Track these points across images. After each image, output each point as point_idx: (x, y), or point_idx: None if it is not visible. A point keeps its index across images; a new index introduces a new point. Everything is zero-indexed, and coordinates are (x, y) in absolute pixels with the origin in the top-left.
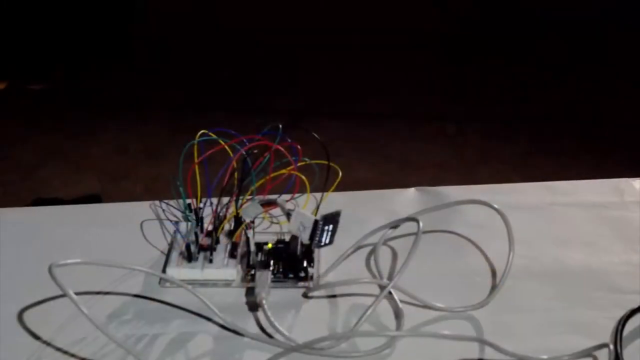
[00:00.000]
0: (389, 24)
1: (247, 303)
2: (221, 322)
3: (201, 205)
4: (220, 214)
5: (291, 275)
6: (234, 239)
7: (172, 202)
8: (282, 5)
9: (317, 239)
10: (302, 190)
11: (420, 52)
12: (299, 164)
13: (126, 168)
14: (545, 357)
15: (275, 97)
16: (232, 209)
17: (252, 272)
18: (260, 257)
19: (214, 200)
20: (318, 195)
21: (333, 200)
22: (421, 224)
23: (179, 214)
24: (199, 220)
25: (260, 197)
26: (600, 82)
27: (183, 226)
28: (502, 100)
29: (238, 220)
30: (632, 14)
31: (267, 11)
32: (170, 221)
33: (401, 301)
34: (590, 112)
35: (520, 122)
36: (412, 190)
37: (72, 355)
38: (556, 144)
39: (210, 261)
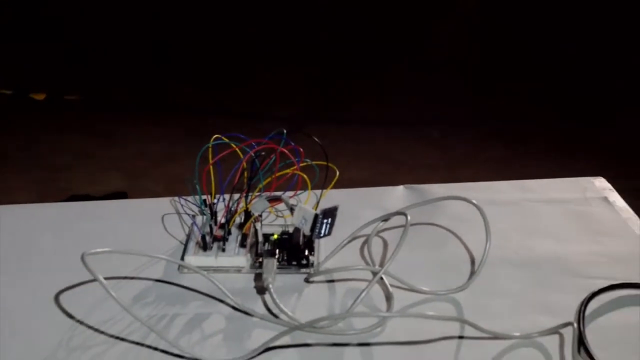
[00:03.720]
0: (386, 30)
1: (256, 287)
2: (233, 304)
3: (215, 201)
4: (232, 209)
5: (294, 263)
6: (244, 231)
7: (189, 198)
8: (280, 9)
9: (317, 230)
10: (304, 188)
11: (413, 56)
12: (301, 165)
13: (148, 168)
14: (517, 334)
15: (280, 105)
16: (242, 204)
17: (260, 259)
18: (267, 246)
19: (227, 196)
20: (318, 192)
21: (331, 197)
22: (409, 218)
23: (196, 209)
24: (213, 214)
25: (267, 193)
26: (579, 87)
27: (199, 219)
28: (488, 104)
29: (247, 214)
30: (631, 14)
31: (265, 14)
32: (188, 215)
33: (391, 285)
34: (558, 118)
35: (499, 128)
36: (401, 187)
37: (102, 333)
38: (529, 146)
39: (223, 250)
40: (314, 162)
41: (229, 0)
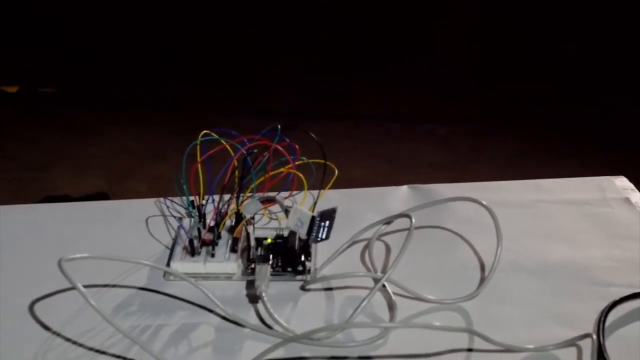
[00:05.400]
0: (385, 28)
1: (248, 295)
2: (223, 313)
3: (204, 202)
4: (222, 211)
5: (289, 269)
6: (235, 235)
7: (175, 199)
8: (279, 8)
9: (314, 234)
10: (300, 188)
11: (414, 55)
12: (297, 163)
13: (131, 167)
14: (531, 346)
15: (275, 99)
16: (233, 206)
17: (252, 265)
18: (260, 251)
19: (216, 197)
20: (315, 192)
21: (329, 198)
22: (413, 220)
23: (183, 211)
24: (202, 217)
25: (260, 194)
26: (584, 86)
27: (186, 222)
28: (492, 102)
29: (239, 217)
30: (631, 14)
31: (265, 14)
32: (174, 217)
33: (394, 293)
34: (574, 114)
35: (509, 124)
36: (404, 187)
37: (81, 345)
38: (542, 144)
39: (213, 255)
40: (310, 160)
41: (229, 0)
